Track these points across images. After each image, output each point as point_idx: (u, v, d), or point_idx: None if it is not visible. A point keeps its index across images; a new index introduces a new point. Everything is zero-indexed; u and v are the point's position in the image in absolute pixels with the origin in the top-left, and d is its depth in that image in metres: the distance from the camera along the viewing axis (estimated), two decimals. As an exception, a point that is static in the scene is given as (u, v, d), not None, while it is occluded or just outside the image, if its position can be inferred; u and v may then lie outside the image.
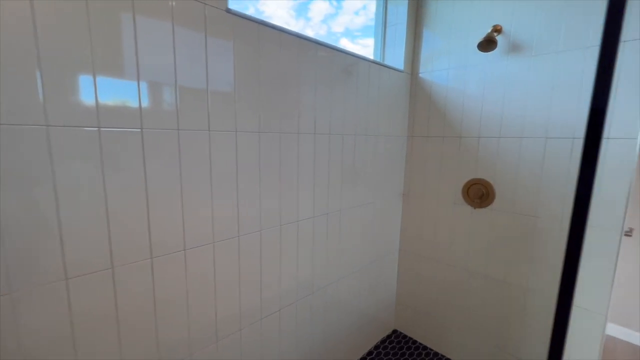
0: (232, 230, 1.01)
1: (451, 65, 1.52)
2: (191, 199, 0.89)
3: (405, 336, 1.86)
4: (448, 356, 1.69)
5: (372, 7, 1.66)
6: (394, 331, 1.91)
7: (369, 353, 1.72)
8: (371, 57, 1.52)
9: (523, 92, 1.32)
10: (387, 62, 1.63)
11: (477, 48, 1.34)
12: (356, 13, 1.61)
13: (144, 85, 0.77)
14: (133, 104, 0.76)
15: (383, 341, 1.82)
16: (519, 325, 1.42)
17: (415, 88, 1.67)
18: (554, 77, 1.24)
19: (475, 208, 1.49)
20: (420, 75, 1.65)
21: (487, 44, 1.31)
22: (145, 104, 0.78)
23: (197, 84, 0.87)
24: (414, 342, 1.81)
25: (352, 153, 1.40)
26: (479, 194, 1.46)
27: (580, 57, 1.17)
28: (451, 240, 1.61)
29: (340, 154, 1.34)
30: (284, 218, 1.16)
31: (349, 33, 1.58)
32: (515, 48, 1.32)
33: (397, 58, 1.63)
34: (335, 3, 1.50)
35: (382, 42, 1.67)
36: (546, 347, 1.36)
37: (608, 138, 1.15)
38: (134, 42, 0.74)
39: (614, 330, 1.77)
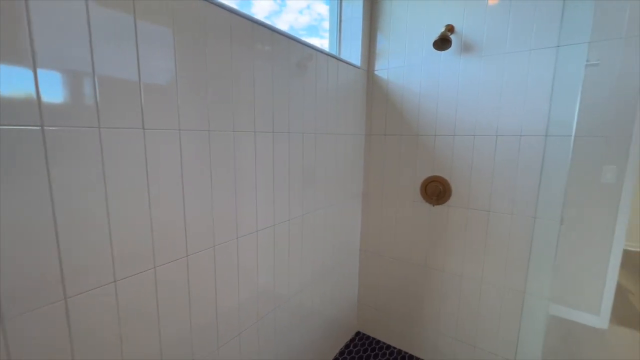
0: (178, 249, 0.84)
1: (406, 63, 1.52)
2: (121, 213, 0.71)
3: (368, 337, 1.84)
4: (412, 353, 1.70)
5: (317, 7, 1.58)
6: (358, 333, 1.88)
7: (335, 360, 1.66)
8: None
9: (475, 90, 1.36)
10: (343, 57, 1.57)
11: (432, 46, 1.35)
12: (300, 12, 1.53)
13: (44, 73, 0.57)
14: (26, 95, 0.56)
15: (347, 345, 1.77)
16: (476, 317, 1.48)
17: (371, 85, 1.64)
18: (502, 77, 1.29)
19: (433, 205, 1.51)
20: (376, 72, 1.62)
21: (442, 42, 1.32)
22: (46, 95, 0.58)
23: (125, 75, 0.69)
24: (378, 342, 1.80)
25: (313, 153, 1.31)
26: (436, 191, 1.49)
27: (525, 58, 1.24)
28: (411, 238, 1.62)
29: (301, 154, 1.24)
30: (241, 229, 1.02)
31: (293, 32, 1.49)
32: (467, 48, 1.36)
33: (353, 54, 1.58)
34: (279, 1, 1.39)
35: (338, 37, 1.60)
36: (502, 333, 1.44)
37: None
38: (25, 19, 0.55)
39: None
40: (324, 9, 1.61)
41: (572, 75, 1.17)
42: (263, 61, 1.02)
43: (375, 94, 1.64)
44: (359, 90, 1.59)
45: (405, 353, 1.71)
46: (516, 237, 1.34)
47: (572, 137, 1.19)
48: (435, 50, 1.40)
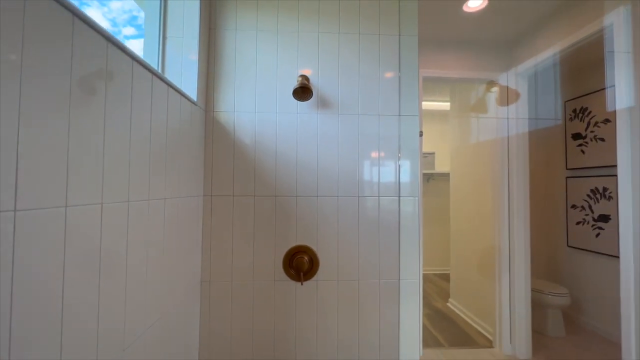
0: None
1: (260, 109, 1.23)
2: None
3: None
4: None
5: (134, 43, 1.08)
6: None
7: None
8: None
9: (334, 148, 1.25)
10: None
11: (292, 95, 1.15)
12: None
13: None
14: None
15: None
16: (356, 411, 1.24)
17: (212, 130, 1.22)
18: (358, 137, 1.26)
19: (302, 284, 1.21)
20: (217, 113, 1.22)
21: (303, 91, 1.15)
22: None
23: None
24: None
25: (103, 234, 0.69)
26: (303, 265, 1.20)
27: (375, 122, 1.27)
28: (275, 334, 1.22)
29: (77, 241, 0.61)
30: None
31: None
32: (324, 103, 1.25)
33: (185, 83, 1.12)
34: None
35: (161, 53, 1.10)
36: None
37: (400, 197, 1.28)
38: None
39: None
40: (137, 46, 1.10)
41: (412, 141, 1.28)
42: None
43: (217, 143, 1.22)
44: (195, 135, 1.12)
45: None
46: (386, 304, 1.25)
47: (418, 198, 1.29)
48: (293, 100, 1.22)
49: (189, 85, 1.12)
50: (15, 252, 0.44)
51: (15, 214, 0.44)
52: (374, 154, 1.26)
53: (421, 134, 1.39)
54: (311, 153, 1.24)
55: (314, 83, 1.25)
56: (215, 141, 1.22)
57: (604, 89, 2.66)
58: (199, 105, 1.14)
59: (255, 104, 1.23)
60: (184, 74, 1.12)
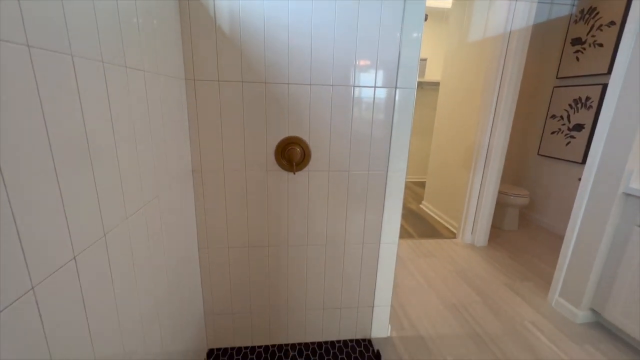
0: None
1: (243, -29, 1.03)
2: None
3: (226, 350, 1.44)
4: (280, 343, 1.49)
5: None
6: (210, 352, 1.43)
7: (190, 411, 1.16)
8: None
9: (330, 30, 1.12)
10: None
11: (283, -50, 0.95)
12: None
13: None
14: None
15: (200, 377, 1.30)
16: (341, 279, 1.44)
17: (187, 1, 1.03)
18: (357, 20, 1.12)
19: (294, 173, 1.24)
20: (191, -24, 1.01)
21: (296, -53, 0.95)
22: None
23: None
24: (239, 350, 1.44)
25: (83, 103, 0.63)
26: (295, 155, 1.21)
27: (377, 6, 1.11)
28: (268, 217, 1.30)
29: (57, 110, 0.55)
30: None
31: None
32: (320, -32, 1.06)
33: None
34: None
35: None
36: (363, 285, 1.48)
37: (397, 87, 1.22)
38: None
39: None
40: None
41: (416, 25, 1.16)
42: None
43: (195, 17, 1.04)
44: (166, 5, 0.94)
45: (273, 347, 1.47)
46: (373, 193, 1.33)
47: (415, 90, 1.24)
48: (283, -40, 1.01)
49: None
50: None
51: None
52: (374, 39, 1.14)
53: (426, 18, 1.25)
54: (304, 34, 1.10)
55: (309, -61, 1.03)
56: (192, 15, 1.04)
57: (620, -16, 2.42)
58: (167, -41, 0.93)
59: (237, -36, 1.02)
60: None
